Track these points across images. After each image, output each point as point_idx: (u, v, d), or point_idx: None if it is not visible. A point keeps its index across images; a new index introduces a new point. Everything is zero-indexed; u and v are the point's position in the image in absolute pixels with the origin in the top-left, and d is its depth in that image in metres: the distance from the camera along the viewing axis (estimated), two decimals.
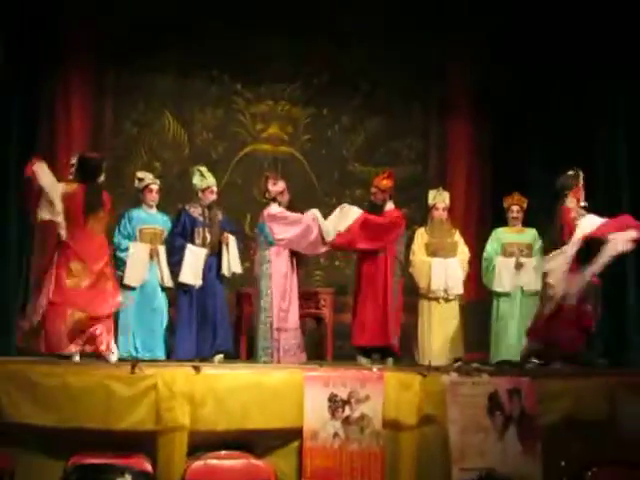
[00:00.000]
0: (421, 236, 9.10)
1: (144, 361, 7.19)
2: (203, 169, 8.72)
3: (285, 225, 8.34)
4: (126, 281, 8.26)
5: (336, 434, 6.37)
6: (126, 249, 8.36)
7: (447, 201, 9.18)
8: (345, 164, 11.15)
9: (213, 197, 8.58)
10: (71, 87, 10.12)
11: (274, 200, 8.44)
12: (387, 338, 8.35)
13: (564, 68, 10.14)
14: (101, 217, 7.44)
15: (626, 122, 9.59)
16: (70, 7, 10.04)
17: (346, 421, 6.40)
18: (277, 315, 8.14)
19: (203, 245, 8.37)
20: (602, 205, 9.30)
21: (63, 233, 7.18)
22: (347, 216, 8.50)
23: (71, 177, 7.62)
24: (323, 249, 8.57)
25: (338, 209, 8.62)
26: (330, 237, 8.33)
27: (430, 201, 9.19)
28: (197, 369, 6.30)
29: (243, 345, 8.89)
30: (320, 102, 11.12)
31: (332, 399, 6.40)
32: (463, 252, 9.05)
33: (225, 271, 8.43)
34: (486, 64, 11.10)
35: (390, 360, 8.35)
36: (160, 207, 8.80)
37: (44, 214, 7.14)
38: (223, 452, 6.26)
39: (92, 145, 10.15)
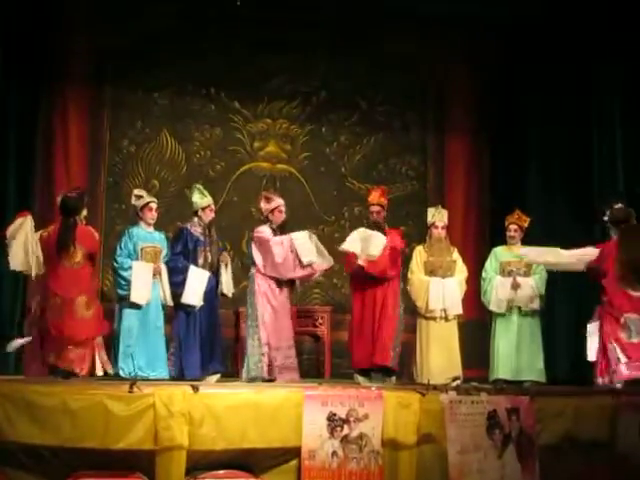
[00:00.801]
0: (419, 254, 9.02)
1: (142, 380, 7.19)
2: (201, 187, 8.71)
3: (256, 247, 8.32)
4: (132, 299, 8.16)
5: (335, 453, 6.31)
6: (129, 268, 8.26)
7: (446, 219, 9.11)
8: (343, 181, 11.18)
9: (212, 215, 8.56)
10: (69, 105, 10.21)
11: (267, 219, 8.41)
12: (388, 359, 8.33)
13: (562, 83, 10.18)
14: (74, 252, 7.68)
15: (624, 137, 9.60)
16: (68, 25, 10.13)
17: (345, 440, 6.34)
18: (265, 331, 8.10)
19: (204, 264, 8.35)
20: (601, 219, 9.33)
21: (33, 274, 7.59)
22: (373, 242, 8.37)
23: None
24: (300, 273, 8.33)
25: (357, 233, 8.53)
26: (308, 260, 8.22)
27: (429, 219, 9.11)
28: (195, 388, 6.26)
29: (240, 364, 8.84)
30: (318, 120, 11.18)
31: (331, 418, 6.35)
32: (462, 271, 9.00)
33: (226, 291, 8.43)
34: (484, 80, 11.16)
35: (393, 379, 8.34)
36: (157, 225, 8.77)
37: (16, 264, 7.51)
38: (221, 471, 6.19)
39: (89, 163, 10.18)
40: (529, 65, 10.57)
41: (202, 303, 8.24)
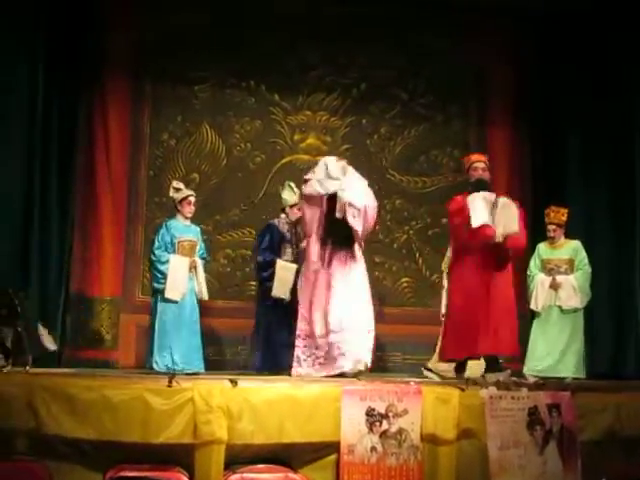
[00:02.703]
0: None
1: (182, 374, 7.26)
2: (293, 184, 8.75)
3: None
4: (168, 295, 8.19)
5: (373, 448, 6.30)
6: (167, 262, 8.27)
7: None
8: (384, 174, 11.07)
9: (299, 214, 8.46)
10: (109, 99, 10.23)
11: None
12: (515, 347, 7.86)
13: (606, 75, 10.02)
14: None
15: None
16: (108, 20, 10.18)
17: (384, 435, 6.33)
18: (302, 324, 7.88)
19: (288, 261, 8.37)
20: None
21: None
22: (507, 212, 7.64)
23: None
24: None
25: (479, 199, 7.68)
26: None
27: None
28: (234, 382, 6.28)
29: None
30: (359, 112, 11.09)
31: (370, 413, 6.34)
32: None
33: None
34: (526, 72, 11.05)
35: (508, 372, 7.88)
36: (197, 218, 8.81)
37: None
38: (260, 466, 6.21)
39: (130, 156, 10.24)
40: (572, 60, 10.40)
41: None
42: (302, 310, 7.86)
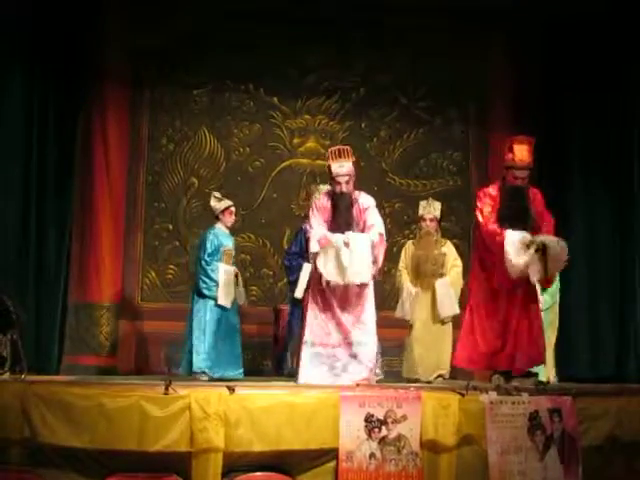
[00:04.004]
0: (408, 249, 8.97)
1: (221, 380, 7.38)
2: (324, 187, 8.77)
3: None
4: (220, 302, 8.24)
5: (372, 455, 6.25)
6: (217, 269, 8.30)
7: (436, 212, 8.87)
8: (384, 177, 11.06)
9: None
10: (108, 105, 10.23)
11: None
12: (540, 357, 7.50)
13: (607, 76, 9.98)
14: None
15: None
16: (105, 25, 10.16)
17: (383, 441, 6.27)
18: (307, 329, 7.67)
19: None
20: None
21: None
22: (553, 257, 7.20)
23: None
24: None
25: (516, 240, 7.20)
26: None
27: (419, 212, 8.96)
28: (231, 389, 6.22)
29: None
30: (358, 115, 11.10)
31: (368, 419, 6.28)
32: (455, 264, 8.72)
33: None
34: (525, 75, 10.99)
35: (533, 379, 7.54)
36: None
37: None
38: (258, 473, 6.16)
39: (129, 162, 10.20)
40: (572, 61, 10.34)
41: None
42: (310, 318, 7.71)
